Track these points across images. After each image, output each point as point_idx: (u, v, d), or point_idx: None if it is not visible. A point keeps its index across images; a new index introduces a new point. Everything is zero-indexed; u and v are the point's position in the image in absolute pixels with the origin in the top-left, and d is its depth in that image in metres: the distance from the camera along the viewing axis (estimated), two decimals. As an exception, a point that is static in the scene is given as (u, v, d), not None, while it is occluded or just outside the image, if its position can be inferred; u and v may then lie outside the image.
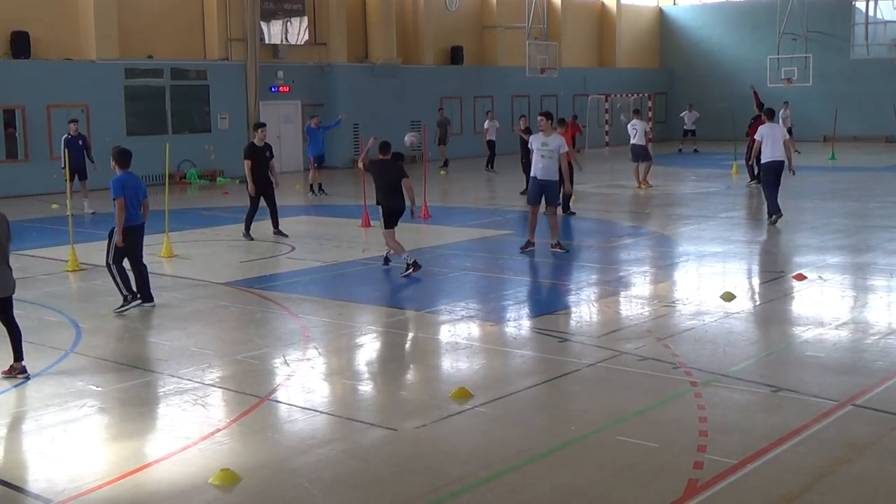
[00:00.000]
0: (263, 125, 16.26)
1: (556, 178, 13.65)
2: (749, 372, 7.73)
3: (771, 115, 16.87)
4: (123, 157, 10.57)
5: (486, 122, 29.80)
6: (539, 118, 13.69)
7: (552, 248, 13.71)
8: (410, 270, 12.13)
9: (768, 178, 16.35)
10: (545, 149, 13.51)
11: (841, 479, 5.62)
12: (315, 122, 23.19)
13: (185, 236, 15.90)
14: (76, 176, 19.53)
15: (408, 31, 34.02)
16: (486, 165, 28.52)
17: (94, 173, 20.37)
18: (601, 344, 8.74)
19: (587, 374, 7.85)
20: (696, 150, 35.57)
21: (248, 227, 15.75)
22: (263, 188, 15.72)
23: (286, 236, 15.67)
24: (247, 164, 15.60)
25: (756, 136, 16.74)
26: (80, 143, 19.92)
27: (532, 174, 13.82)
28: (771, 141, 16.20)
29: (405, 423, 6.73)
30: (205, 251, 14.97)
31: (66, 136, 19.94)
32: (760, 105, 22.51)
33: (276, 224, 15.88)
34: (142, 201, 10.53)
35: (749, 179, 22.55)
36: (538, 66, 35.42)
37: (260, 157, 15.65)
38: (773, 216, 16.21)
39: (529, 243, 13.85)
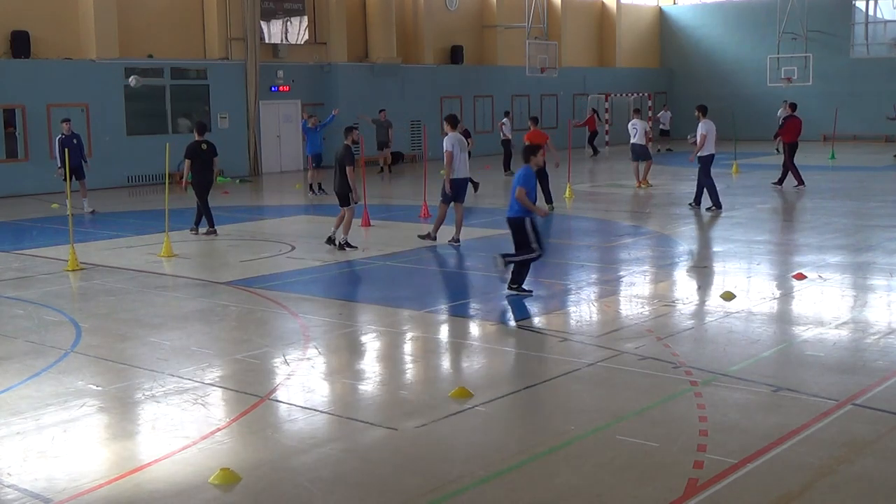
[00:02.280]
0: (203, 124, 16.69)
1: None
2: (749, 371, 7.73)
3: (708, 112, 18.91)
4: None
5: (504, 120, 28.16)
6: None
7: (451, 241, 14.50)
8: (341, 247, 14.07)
9: (708, 168, 18.35)
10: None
11: (841, 479, 5.62)
12: (313, 122, 23.20)
13: (185, 236, 15.89)
14: (73, 175, 19.22)
15: (408, 31, 34.02)
16: (505, 168, 27.35)
17: (91, 172, 20.55)
18: (601, 343, 8.74)
19: (587, 374, 7.85)
20: (669, 150, 35.65)
21: (197, 223, 16.14)
22: (200, 187, 16.02)
23: (214, 233, 16.04)
24: (187, 162, 15.96)
25: (703, 132, 18.40)
26: (75, 141, 19.66)
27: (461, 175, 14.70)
28: (712, 136, 18.40)
29: (405, 422, 6.73)
30: (205, 251, 14.97)
31: (60, 136, 19.77)
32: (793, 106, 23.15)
33: (197, 223, 16.20)
34: None
35: (797, 183, 21.93)
36: (538, 65, 35.41)
37: (202, 155, 15.95)
38: (717, 208, 18.04)
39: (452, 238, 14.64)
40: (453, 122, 14.84)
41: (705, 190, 18.39)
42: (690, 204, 18.76)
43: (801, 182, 21.88)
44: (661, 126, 37.11)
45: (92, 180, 23.06)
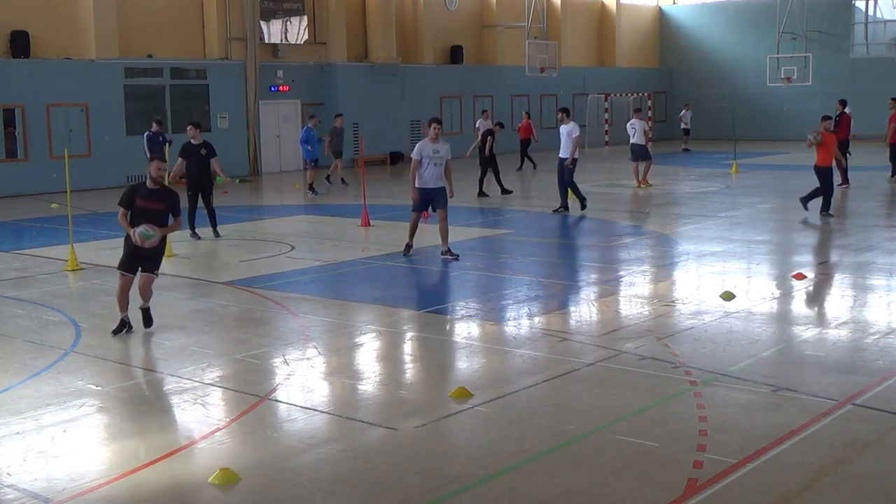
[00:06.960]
0: (196, 124, 16.48)
1: (444, 184, 13.42)
2: (749, 371, 7.73)
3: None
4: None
5: (479, 120, 28.00)
6: (434, 126, 13.25)
7: (443, 255, 13.25)
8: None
9: (572, 171, 18.28)
10: (437, 156, 13.18)
11: (841, 479, 5.62)
12: (313, 123, 23.21)
13: (184, 235, 15.87)
14: None
15: (407, 31, 34.02)
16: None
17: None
18: (601, 343, 8.74)
19: (587, 374, 7.84)
20: (687, 150, 35.61)
21: (192, 228, 15.84)
22: (199, 187, 15.91)
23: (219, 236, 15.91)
24: (179, 161, 15.90)
25: (577, 134, 18.31)
26: (161, 139, 21.81)
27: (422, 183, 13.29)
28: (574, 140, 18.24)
29: (405, 422, 6.72)
30: (205, 251, 14.97)
31: (147, 132, 22.15)
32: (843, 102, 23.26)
33: (213, 226, 15.98)
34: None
35: (840, 182, 21.56)
36: (538, 65, 35.40)
37: (195, 155, 15.81)
38: (580, 206, 18.35)
39: (409, 246, 13.60)
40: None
41: (569, 190, 18.36)
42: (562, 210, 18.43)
43: (844, 181, 21.80)
44: (682, 125, 36.90)
45: (91, 180, 23.10)
